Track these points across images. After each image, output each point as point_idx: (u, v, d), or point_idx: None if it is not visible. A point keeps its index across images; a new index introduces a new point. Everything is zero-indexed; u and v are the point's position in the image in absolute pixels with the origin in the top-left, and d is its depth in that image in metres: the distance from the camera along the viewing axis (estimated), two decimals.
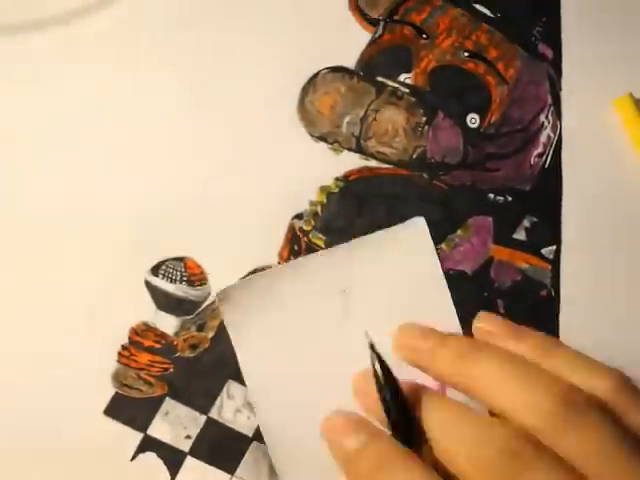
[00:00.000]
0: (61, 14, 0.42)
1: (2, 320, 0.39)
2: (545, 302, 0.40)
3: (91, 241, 0.40)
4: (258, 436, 0.38)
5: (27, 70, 0.42)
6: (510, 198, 0.40)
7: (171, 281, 0.40)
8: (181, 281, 0.40)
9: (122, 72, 0.42)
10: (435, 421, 0.27)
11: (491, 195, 0.40)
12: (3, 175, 0.41)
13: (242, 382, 0.39)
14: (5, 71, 0.42)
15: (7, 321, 0.39)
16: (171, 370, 0.39)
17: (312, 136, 0.41)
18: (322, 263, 0.39)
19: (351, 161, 0.40)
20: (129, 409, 0.39)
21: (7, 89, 0.42)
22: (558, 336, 0.39)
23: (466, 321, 0.39)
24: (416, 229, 0.39)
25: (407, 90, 0.40)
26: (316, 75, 0.41)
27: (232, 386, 0.39)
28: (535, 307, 0.40)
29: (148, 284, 0.40)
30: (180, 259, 0.40)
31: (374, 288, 0.38)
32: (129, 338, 0.39)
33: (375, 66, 0.41)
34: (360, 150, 0.40)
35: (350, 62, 0.41)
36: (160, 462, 0.38)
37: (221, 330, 0.39)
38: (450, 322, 0.38)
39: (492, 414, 0.27)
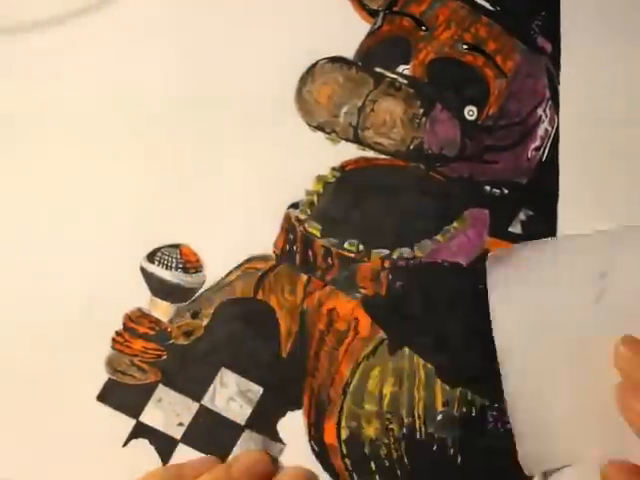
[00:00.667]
0: (61, 14, 0.42)
1: None
2: None
3: (87, 227, 0.41)
4: (250, 424, 0.38)
5: (27, 69, 0.43)
6: (507, 191, 0.40)
7: (166, 268, 0.40)
8: (176, 268, 0.40)
9: (122, 66, 0.43)
10: None
11: (488, 187, 0.40)
12: (3, 168, 0.42)
13: (235, 370, 0.39)
14: (5, 70, 0.43)
15: (3, 306, 0.40)
16: (165, 357, 0.39)
17: (310, 125, 0.41)
18: (583, 245, 0.38)
19: (348, 151, 0.40)
20: (122, 395, 0.39)
21: (7, 88, 0.43)
22: None
23: (460, 314, 0.39)
24: None
25: (405, 81, 0.40)
26: (314, 65, 0.41)
27: (225, 374, 0.39)
28: None
29: (143, 270, 0.40)
30: (176, 246, 0.40)
31: (635, 280, 0.37)
32: (123, 324, 0.39)
33: (374, 57, 0.41)
34: (357, 140, 0.40)
35: (349, 52, 0.41)
36: (152, 449, 0.39)
37: (215, 318, 0.40)
38: None
39: None
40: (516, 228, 0.40)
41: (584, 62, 0.41)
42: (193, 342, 0.39)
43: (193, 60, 0.43)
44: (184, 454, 0.38)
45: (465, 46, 0.40)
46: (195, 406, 0.39)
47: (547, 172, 0.40)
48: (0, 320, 0.40)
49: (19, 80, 0.43)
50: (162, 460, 0.38)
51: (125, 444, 0.39)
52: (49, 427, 0.39)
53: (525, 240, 0.40)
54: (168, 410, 0.39)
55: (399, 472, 0.38)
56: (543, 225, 0.40)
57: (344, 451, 0.38)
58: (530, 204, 0.40)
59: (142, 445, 0.39)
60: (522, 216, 0.40)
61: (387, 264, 0.39)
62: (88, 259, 0.40)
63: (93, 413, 0.39)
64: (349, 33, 0.41)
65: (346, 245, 0.39)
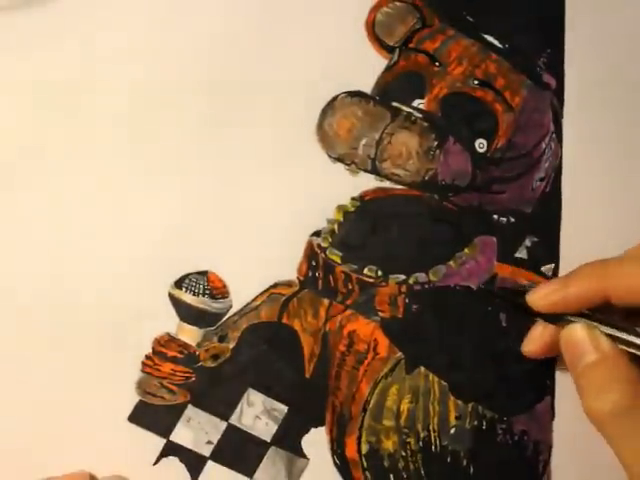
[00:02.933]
0: None
1: (31, 331, 0.41)
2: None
3: (117, 254, 0.42)
4: (276, 441, 0.41)
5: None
6: (513, 219, 0.43)
7: (194, 294, 0.41)
8: (204, 294, 0.41)
9: (146, 89, 0.44)
10: None
11: (495, 216, 0.43)
12: (27, 195, 0.42)
13: (261, 390, 0.41)
14: None
15: (35, 332, 0.41)
16: (193, 379, 0.41)
17: (330, 157, 0.43)
18: None
19: (367, 182, 0.42)
20: (152, 416, 0.40)
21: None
22: None
23: (471, 334, 0.42)
24: None
25: (420, 115, 0.42)
26: (335, 99, 0.42)
27: (252, 394, 0.41)
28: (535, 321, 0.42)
29: (172, 296, 0.41)
30: (203, 273, 0.42)
31: None
32: (153, 348, 0.41)
33: (390, 91, 0.43)
34: (375, 171, 0.42)
35: (367, 87, 0.43)
36: (182, 467, 0.40)
37: (242, 341, 0.41)
38: None
39: None
40: (522, 253, 0.43)
41: (586, 97, 0.44)
42: (220, 364, 0.41)
43: (218, 91, 0.44)
44: (213, 471, 0.40)
45: (476, 81, 0.43)
46: (223, 425, 0.41)
47: (551, 201, 0.43)
48: (33, 345, 0.41)
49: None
50: (191, 477, 0.40)
51: (156, 462, 0.40)
52: (82, 448, 0.40)
53: (530, 264, 0.43)
54: (197, 429, 0.41)
55: None
56: (546, 250, 0.43)
57: (365, 465, 0.41)
58: (535, 231, 0.43)
59: (172, 463, 0.40)
60: (527, 242, 0.43)
61: (404, 289, 0.41)
62: (118, 286, 0.41)
63: (125, 434, 0.40)
64: (367, 68, 0.43)
65: (365, 271, 0.41)
